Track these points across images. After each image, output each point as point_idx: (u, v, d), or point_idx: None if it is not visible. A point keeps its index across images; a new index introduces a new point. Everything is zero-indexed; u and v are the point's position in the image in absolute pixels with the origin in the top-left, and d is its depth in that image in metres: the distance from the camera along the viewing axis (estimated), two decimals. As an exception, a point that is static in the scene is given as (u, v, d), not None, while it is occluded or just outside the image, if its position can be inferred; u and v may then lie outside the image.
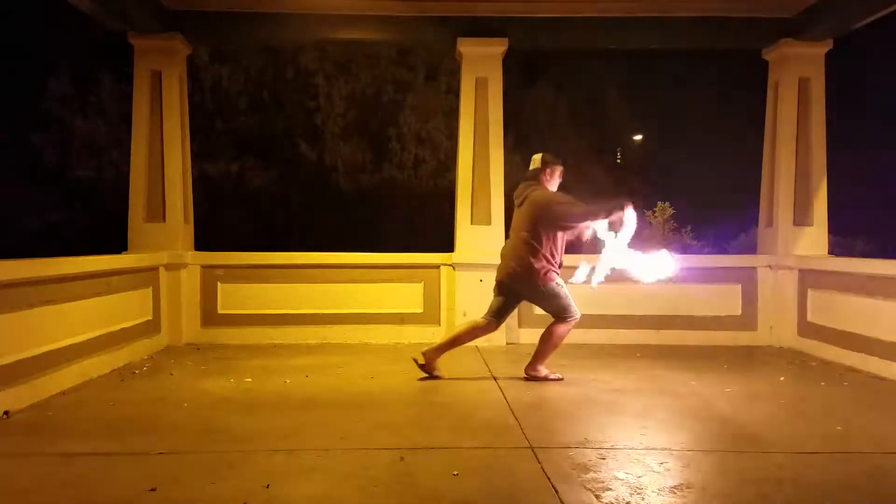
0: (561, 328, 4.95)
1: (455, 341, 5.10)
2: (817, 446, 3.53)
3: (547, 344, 5.00)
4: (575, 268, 4.83)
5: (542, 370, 5.06)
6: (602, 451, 3.37)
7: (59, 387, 4.54)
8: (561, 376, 5.03)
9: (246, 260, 6.84)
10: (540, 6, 6.67)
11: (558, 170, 5.02)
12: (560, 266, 4.95)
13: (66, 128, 14.97)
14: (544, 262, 4.82)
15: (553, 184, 5.02)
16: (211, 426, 3.79)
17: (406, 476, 3.03)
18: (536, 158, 5.06)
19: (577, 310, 4.95)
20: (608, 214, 4.64)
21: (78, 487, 2.89)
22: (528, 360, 5.12)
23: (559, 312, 4.93)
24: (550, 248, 4.85)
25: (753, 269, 6.88)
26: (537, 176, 5.01)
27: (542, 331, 5.02)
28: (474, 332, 5.09)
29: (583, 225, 4.80)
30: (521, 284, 4.91)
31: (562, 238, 4.93)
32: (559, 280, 4.91)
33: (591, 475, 3.05)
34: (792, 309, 6.54)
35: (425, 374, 5.08)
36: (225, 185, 14.93)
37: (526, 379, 5.07)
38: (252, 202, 15.19)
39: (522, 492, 2.87)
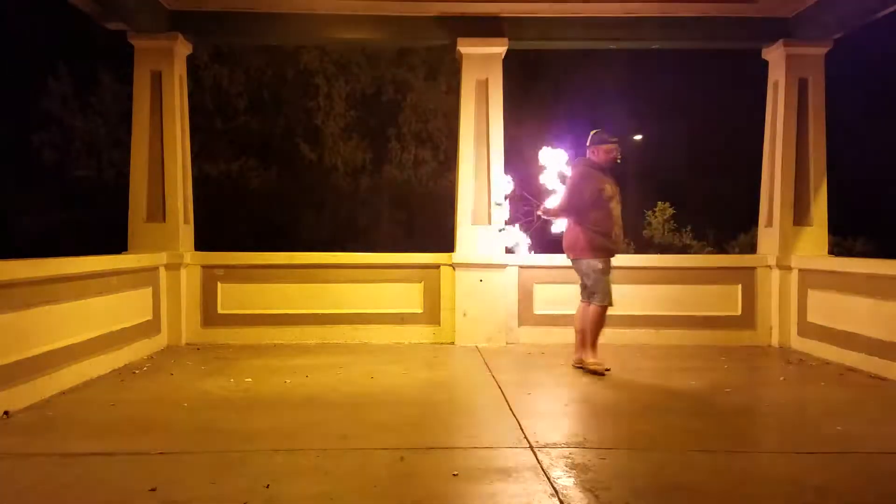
0: (592, 310, 5.14)
1: (590, 333, 5.23)
2: (817, 446, 3.53)
3: (585, 327, 5.17)
4: None
5: (590, 358, 5.18)
6: (602, 451, 3.37)
7: (59, 387, 4.53)
8: (607, 369, 5.14)
9: (246, 260, 6.83)
10: (540, 6, 6.67)
11: (602, 148, 5.22)
12: (614, 239, 5.10)
13: (66, 128, 14.98)
14: (591, 233, 5.03)
15: (601, 159, 5.22)
16: (211, 426, 3.79)
17: (406, 476, 3.03)
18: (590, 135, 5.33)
19: (608, 298, 5.09)
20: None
21: (78, 487, 2.89)
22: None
23: (592, 292, 5.12)
24: (595, 218, 5.05)
25: (753, 269, 6.88)
26: (585, 152, 5.30)
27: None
28: (583, 316, 5.22)
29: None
30: (570, 253, 5.15)
31: (609, 208, 5.10)
32: (602, 263, 5.05)
33: (591, 475, 3.05)
34: (792, 309, 6.54)
35: (601, 371, 5.23)
36: (225, 185, 14.94)
37: (578, 366, 5.19)
38: (252, 202, 15.20)
39: (522, 492, 2.87)
